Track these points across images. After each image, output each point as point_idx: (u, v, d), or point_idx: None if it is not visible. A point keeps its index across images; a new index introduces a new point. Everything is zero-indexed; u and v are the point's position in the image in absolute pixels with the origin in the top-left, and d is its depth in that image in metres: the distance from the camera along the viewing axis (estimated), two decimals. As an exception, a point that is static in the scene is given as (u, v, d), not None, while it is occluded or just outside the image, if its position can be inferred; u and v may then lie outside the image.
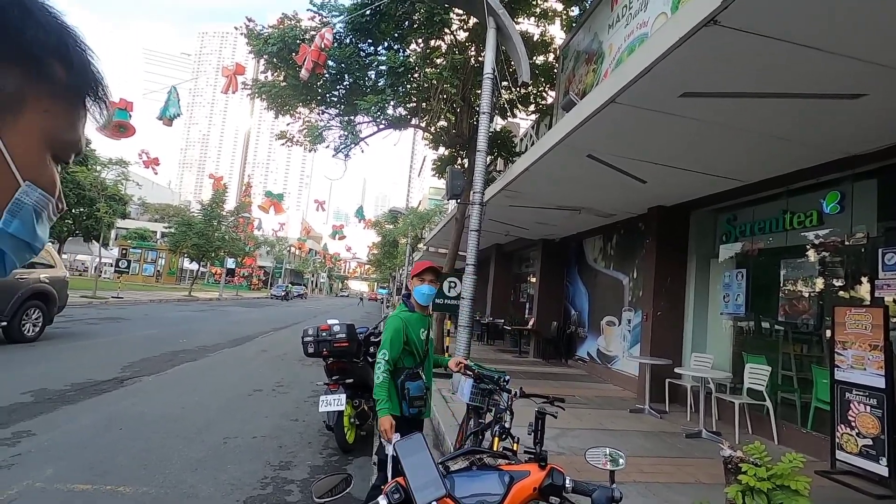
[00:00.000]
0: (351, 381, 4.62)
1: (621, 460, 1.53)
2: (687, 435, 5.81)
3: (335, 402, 4.31)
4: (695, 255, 7.89)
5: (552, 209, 9.47)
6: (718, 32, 3.32)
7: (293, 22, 10.98)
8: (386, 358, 2.74)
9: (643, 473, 4.38)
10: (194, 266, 34.34)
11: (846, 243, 5.54)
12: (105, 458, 3.94)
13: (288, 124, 12.58)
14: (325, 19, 11.14)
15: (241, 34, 11.41)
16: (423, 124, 12.57)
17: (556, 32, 12.99)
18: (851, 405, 4.56)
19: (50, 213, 0.47)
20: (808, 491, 1.71)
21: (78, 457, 3.92)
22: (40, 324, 9.02)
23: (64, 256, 42.16)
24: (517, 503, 1.30)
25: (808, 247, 6.01)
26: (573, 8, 12.40)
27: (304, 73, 9.61)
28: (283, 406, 6.17)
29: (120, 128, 13.25)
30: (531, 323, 13.04)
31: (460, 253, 10.91)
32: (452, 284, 9.08)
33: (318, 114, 12.48)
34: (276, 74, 11.60)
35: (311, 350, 4.47)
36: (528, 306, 15.06)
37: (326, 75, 11.21)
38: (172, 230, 31.43)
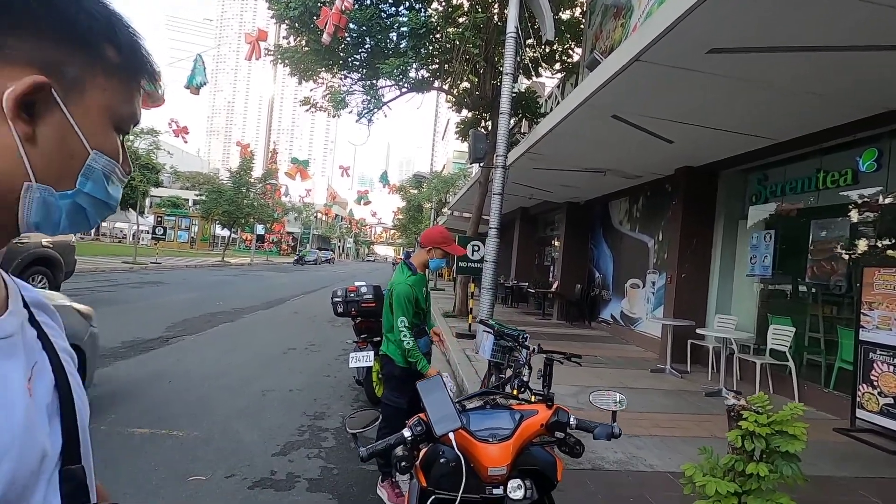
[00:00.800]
0: (378, 339, 4.85)
1: (623, 400, 1.66)
2: (707, 393, 5.92)
3: (364, 358, 4.57)
4: (722, 216, 7.76)
5: (577, 171, 9.36)
6: (748, -16, 3.21)
7: (315, -16, 10.82)
8: (406, 325, 2.94)
9: (660, 428, 4.54)
10: (226, 232, 35.37)
11: (882, 202, 5.38)
12: (158, 407, 4.34)
13: (311, 90, 12.61)
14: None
15: (263, -2, 11.35)
16: (445, 86, 12.41)
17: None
18: (875, 365, 4.56)
19: (118, 175, 0.56)
20: (804, 436, 1.82)
21: (135, 405, 4.32)
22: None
23: (104, 225, 44.01)
24: (525, 437, 1.46)
25: (840, 207, 5.85)
26: (602, -42, 11.79)
27: (325, 38, 9.59)
28: (316, 363, 6.53)
29: (150, 97, 13.55)
30: (555, 286, 13.13)
31: (484, 217, 10.97)
32: (476, 248, 9.20)
33: (341, 79, 12.45)
34: (297, 39, 11.56)
35: (339, 310, 4.72)
36: (552, 269, 15.11)
37: (348, 39, 11.12)
38: (203, 198, 32.31)
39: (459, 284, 12.20)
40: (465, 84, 12.77)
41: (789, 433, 1.82)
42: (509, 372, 3.63)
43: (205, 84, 12.83)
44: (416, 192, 34.51)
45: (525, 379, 3.25)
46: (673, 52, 4.21)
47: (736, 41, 3.95)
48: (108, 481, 2.66)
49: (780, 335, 5.96)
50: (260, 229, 39.64)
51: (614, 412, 1.61)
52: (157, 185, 33.42)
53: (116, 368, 5.41)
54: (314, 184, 73.47)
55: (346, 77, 12.27)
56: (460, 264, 9.43)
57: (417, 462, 1.47)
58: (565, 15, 12.46)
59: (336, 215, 64.66)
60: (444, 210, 27.36)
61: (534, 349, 3.38)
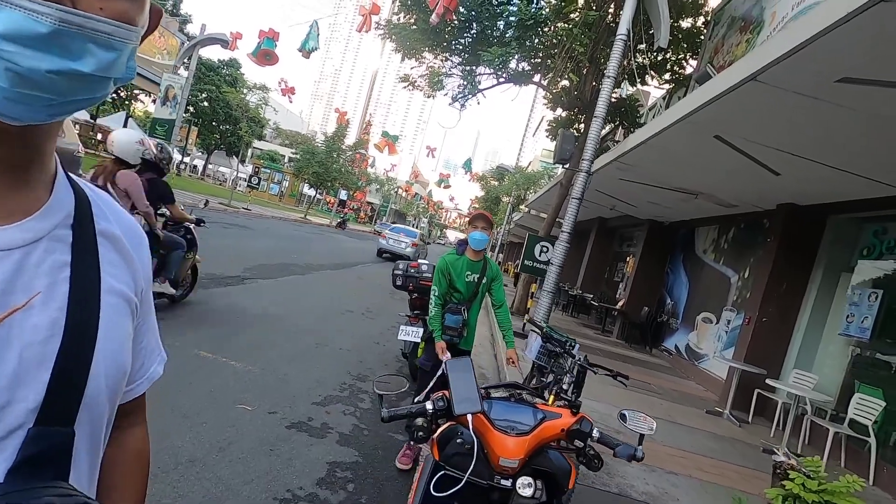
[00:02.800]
0: (430, 318, 4.97)
1: (654, 427, 1.60)
2: (764, 449, 5.46)
3: (413, 333, 4.68)
4: (823, 264, 7.02)
5: (666, 189, 8.85)
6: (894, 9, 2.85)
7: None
8: (436, 294, 3.24)
9: (701, 471, 4.28)
10: (312, 192, 37.39)
11: None
12: (224, 336, 4.76)
13: (412, 68, 12.90)
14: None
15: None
16: (544, 82, 12.18)
17: (715, -7, 11.56)
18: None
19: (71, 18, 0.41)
20: (856, 512, 1.65)
21: (206, 331, 4.78)
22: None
23: (210, 167, 48.17)
24: (543, 437, 1.45)
25: (972, 278, 5.09)
26: (740, -35, 10.87)
27: (434, 18, 9.73)
28: (369, 329, 6.81)
29: (266, 56, 14.56)
30: (621, 303, 12.61)
31: (559, 220, 10.72)
32: (544, 249, 9.05)
33: (442, 60, 12.60)
34: (407, 17, 11.84)
35: (398, 283, 4.87)
36: (620, 286, 14.50)
37: (455, 22, 11.20)
38: (298, 157, 34.32)
39: (521, 283, 12.09)
40: (565, 82, 12.44)
41: (838, 505, 1.66)
42: (552, 377, 3.59)
43: (316, 49, 13.54)
44: (496, 183, 34.35)
45: (564, 386, 3.21)
46: (796, 75, 3.84)
47: (873, 72, 3.53)
48: (163, 394, 2.98)
49: (867, 406, 5.33)
50: (343, 194, 41.49)
51: (642, 435, 1.56)
52: (261, 137, 35.90)
53: (195, 296, 5.98)
54: (400, 160, 75.37)
55: (447, 59, 12.40)
56: (525, 262, 9.32)
57: (435, 436, 1.52)
58: (686, 23, 11.70)
59: (416, 194, 66.04)
60: (522, 207, 27.04)
61: (579, 359, 3.31)
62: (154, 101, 21.60)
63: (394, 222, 60.16)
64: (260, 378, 3.99)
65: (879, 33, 3.08)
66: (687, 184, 8.18)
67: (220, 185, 46.81)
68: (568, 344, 3.42)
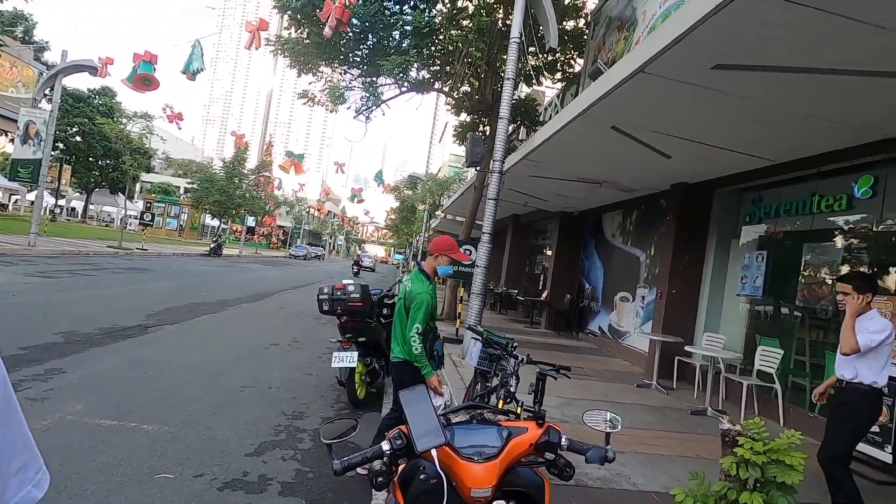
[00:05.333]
0: (363, 339, 4.74)
1: (618, 424, 1.57)
2: (692, 412, 5.87)
3: (347, 358, 4.44)
4: (715, 234, 7.75)
5: (573, 181, 9.32)
6: (756, 2, 3.16)
7: (319, -24, 10.71)
8: (420, 331, 2.98)
9: (645, 445, 4.46)
10: (216, 222, 34.96)
11: (875, 230, 5.38)
12: (130, 397, 4.17)
13: (310, 83, 12.48)
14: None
15: (266, -12, 11.21)
16: (446, 88, 12.36)
17: (591, -4, 12.46)
18: (861, 392, 4.53)
19: None
20: (802, 466, 1.74)
21: (105, 395, 4.16)
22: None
23: (92, 208, 43.33)
24: (513, 456, 1.36)
25: (834, 232, 5.86)
26: (609, -30, 11.81)
27: (327, 31, 9.48)
28: (298, 360, 6.39)
29: (144, 80, 13.34)
30: (544, 295, 13.08)
31: (477, 221, 10.89)
32: (468, 252, 9.10)
33: (341, 74, 12.34)
34: (299, 31, 11.44)
35: (325, 308, 4.59)
36: (542, 278, 15.07)
37: (350, 34, 11.02)
38: (195, 186, 31.90)
39: (449, 288, 12.11)
40: (466, 87, 12.72)
41: (786, 463, 1.74)
42: (496, 381, 3.54)
43: (202, 70, 12.64)
44: (410, 192, 34.40)
45: (512, 389, 3.17)
46: (678, 65, 4.16)
47: (742, 58, 3.91)
48: (69, 475, 2.50)
49: (768, 356, 5.93)
50: (250, 221, 39.27)
51: (608, 434, 1.52)
52: (149, 170, 32.90)
53: (89, 355, 5.23)
54: (308, 179, 73.04)
55: (346, 72, 12.16)
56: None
57: (395, 478, 1.36)
58: (569, 25, 12.47)
59: (329, 212, 64.28)
60: (438, 213, 27.28)
61: (522, 359, 3.29)
62: (12, 141, 18.94)
63: (309, 243, 58.20)
64: (179, 438, 3.53)
65: (746, 21, 3.40)
66: (591, 174, 8.66)
67: (107, 226, 42.25)
68: (508, 345, 3.39)
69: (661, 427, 5.14)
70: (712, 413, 5.69)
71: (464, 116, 13.52)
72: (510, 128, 14.61)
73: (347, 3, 9.48)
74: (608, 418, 1.56)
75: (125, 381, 4.60)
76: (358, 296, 4.55)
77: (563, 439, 1.40)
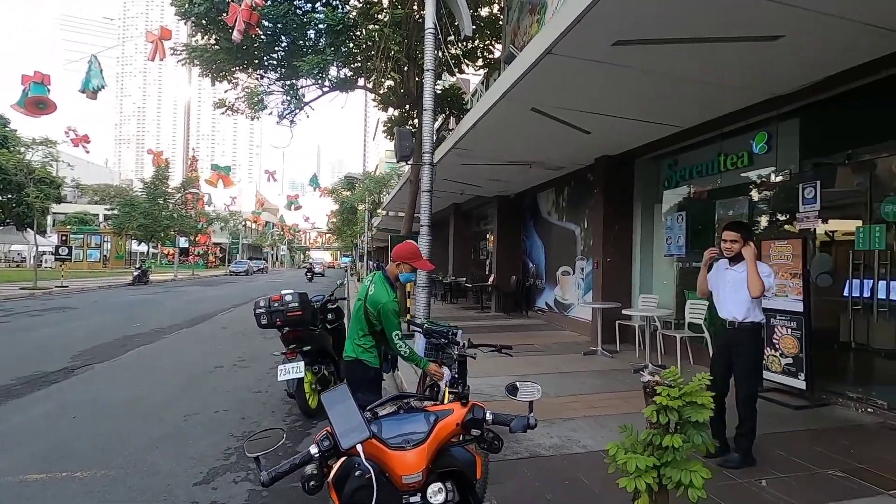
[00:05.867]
0: (308, 348, 4.65)
1: (538, 390, 1.65)
2: (634, 370, 6.18)
3: (293, 369, 4.35)
4: (640, 201, 8.19)
5: (503, 165, 9.53)
6: (643, -22, 3.35)
7: (220, -22, 10.19)
8: (400, 336, 3.05)
9: (593, 408, 4.70)
10: (143, 248, 32.83)
11: (773, 180, 5.89)
12: (59, 446, 3.88)
13: (226, 91, 11.93)
14: (254, -26, 10.42)
15: (163, -6, 10.56)
16: (369, 85, 12.19)
17: (502, -18, 12.65)
18: (776, 329, 4.99)
19: None
20: (711, 404, 1.91)
21: (30, 447, 3.84)
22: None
23: (-3, 248, 39.38)
24: (441, 438, 1.40)
25: (740, 186, 6.35)
26: (516, -45, 12.04)
27: (236, 35, 9.08)
28: (245, 379, 6.17)
29: (38, 104, 12.24)
30: (491, 279, 13.34)
31: (417, 215, 10.89)
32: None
33: (257, 79, 11.87)
34: (206, 38, 10.88)
35: (263, 321, 4.46)
36: (488, 263, 15.34)
37: (262, 37, 10.62)
38: (115, 212, 29.74)
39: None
40: (390, 82, 12.61)
41: (698, 403, 1.90)
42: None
43: (102, 88, 11.74)
44: (348, 193, 33.81)
45: (457, 375, 3.23)
46: (581, 44, 4.34)
47: (638, 33, 4.14)
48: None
49: (696, 309, 6.39)
50: (183, 242, 37.19)
51: (531, 402, 1.60)
52: (59, 200, 30.22)
53: (8, 408, 4.80)
54: (240, 191, 70.00)
55: (262, 77, 11.71)
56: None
57: (330, 479, 1.37)
58: (484, 11, 12.62)
59: (266, 222, 61.96)
60: (379, 210, 27.01)
61: (464, 344, 3.36)
62: None
63: (250, 258, 55.94)
64: (119, 480, 3.33)
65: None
66: (519, 156, 8.89)
67: (18, 266, 38.62)
68: (450, 333, 3.44)
69: (607, 389, 5.42)
70: (652, 369, 6.04)
71: (392, 111, 13.42)
72: (440, 119, 14.71)
73: (254, 5, 9.11)
74: (530, 388, 1.64)
75: (53, 430, 4.27)
76: (297, 305, 4.45)
77: (487, 414, 1.45)
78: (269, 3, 10.12)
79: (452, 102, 12.68)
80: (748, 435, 3.41)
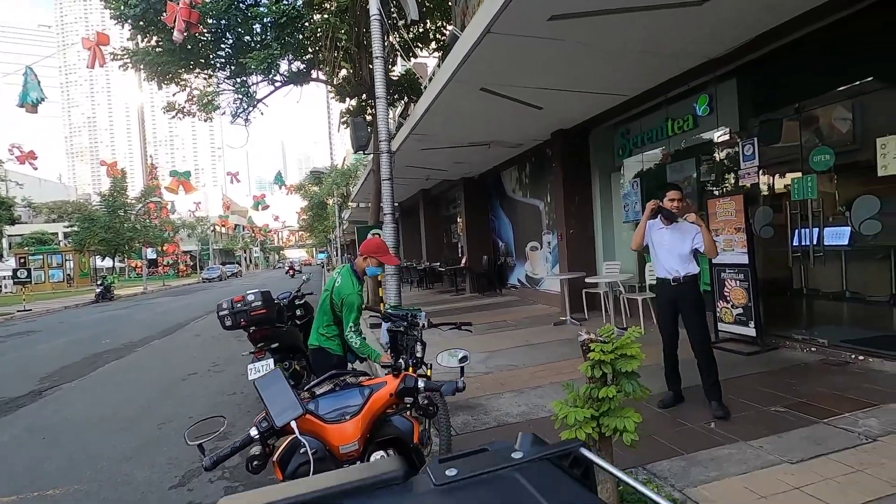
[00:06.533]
0: (277, 345, 4.68)
1: (467, 356, 1.76)
2: (554, 324, 6.50)
3: (264, 367, 4.38)
4: (597, 171, 8.38)
5: (463, 147, 9.58)
6: (566, -49, 3.41)
7: (154, -23, 9.81)
8: (355, 329, 3.14)
9: (561, 375, 4.87)
10: (108, 263, 31.85)
11: (717, 140, 6.12)
12: (30, 467, 3.85)
13: (174, 94, 11.57)
14: (189, -30, 10.07)
15: (95, -3, 10.12)
16: (323, 77, 12.00)
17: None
18: (726, 282, 5.25)
19: None
20: (641, 355, 2.05)
21: (-1, 473, 3.80)
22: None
23: (-49, 277, 37.57)
24: (376, 408, 1.49)
25: (687, 149, 6.57)
26: (458, -66, 11.92)
27: (177, 35, 8.83)
28: (220, 383, 6.17)
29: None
30: (464, 261, 13.47)
31: (383, 204, 10.87)
32: (377, 236, 9.11)
33: (206, 78, 11.55)
34: (147, 40, 10.50)
35: (228, 323, 4.45)
36: (460, 245, 15.46)
37: (206, 35, 10.32)
38: (75, 228, 28.69)
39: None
40: (344, 72, 12.44)
41: (628, 355, 2.03)
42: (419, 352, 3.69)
43: (42, 100, 11.26)
44: (316, 189, 33.36)
45: (419, 355, 3.32)
46: (518, 21, 4.40)
47: (571, 7, 4.22)
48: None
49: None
50: (150, 253, 36.20)
51: (461, 368, 1.70)
52: (13, 221, 28.94)
53: (-26, 437, 4.70)
54: (206, 195, 68.22)
55: (211, 76, 11.41)
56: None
57: (275, 458, 1.44)
58: (433, -7, 12.51)
59: (236, 225, 60.69)
60: (349, 203, 26.77)
61: (424, 325, 3.45)
62: None
63: (223, 263, 54.83)
64: (92, 493, 3.34)
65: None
66: (477, 137, 8.95)
67: (-23, 293, 37.00)
68: (410, 315, 3.53)
69: (575, 356, 5.57)
70: (618, 332, 6.28)
71: (350, 101, 13.25)
72: (400, 106, 14.61)
73: (193, 3, 8.84)
74: (459, 356, 1.74)
75: (22, 452, 4.21)
76: (260, 303, 4.45)
77: (419, 382, 1.55)
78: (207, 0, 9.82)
79: (411, 87, 12.61)
80: (717, 382, 3.57)
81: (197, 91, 11.72)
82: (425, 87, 13.66)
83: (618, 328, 6.41)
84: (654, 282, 6.55)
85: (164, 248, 41.36)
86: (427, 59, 16.77)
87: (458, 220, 15.26)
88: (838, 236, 4.72)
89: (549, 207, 9.71)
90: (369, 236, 8.35)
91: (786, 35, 4.81)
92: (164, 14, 9.08)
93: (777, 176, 5.43)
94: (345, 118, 13.91)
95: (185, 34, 8.98)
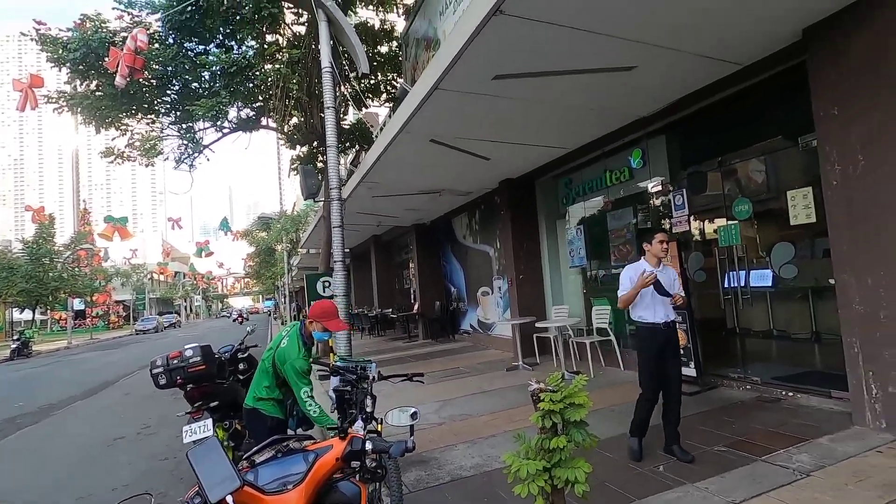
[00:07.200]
0: (216, 403, 4.39)
1: (417, 413, 1.73)
2: (507, 370, 6.55)
3: (201, 429, 4.08)
4: (544, 218, 8.73)
5: (414, 194, 9.74)
6: (507, 21, 3.69)
7: (97, 23, 9.66)
8: (310, 395, 2.94)
9: (513, 422, 4.84)
10: (28, 315, 29.17)
11: (651, 191, 6.57)
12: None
13: (113, 139, 11.15)
14: (136, 18, 10.01)
15: (32, 39, 9.79)
16: (273, 124, 12.01)
17: (400, 20, 13.16)
18: (667, 325, 5.48)
19: None
20: (588, 402, 2.09)
21: None
22: None
23: None
24: (321, 475, 1.42)
25: (624, 199, 7.00)
26: (409, -5, 12.62)
27: (119, 80, 8.61)
28: (151, 448, 5.65)
29: None
30: (416, 307, 13.38)
31: (333, 252, 10.73)
32: (326, 284, 8.92)
33: (149, 123, 11.25)
34: (86, 84, 10.17)
35: (162, 381, 4.14)
36: (412, 291, 15.39)
37: (153, 80, 10.15)
38: (-10, 278, 26.23)
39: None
40: (295, 120, 12.51)
41: (577, 403, 2.07)
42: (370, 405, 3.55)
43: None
44: (264, 235, 32.51)
45: (369, 409, 3.21)
46: (464, 79, 4.65)
47: (513, 69, 4.51)
48: None
49: (601, 315, 6.86)
50: (78, 304, 33.49)
51: (411, 426, 1.67)
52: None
53: None
54: (143, 242, 64.76)
55: (154, 122, 11.13)
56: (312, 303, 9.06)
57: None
58: (384, 48, 13.03)
59: (176, 273, 57.63)
60: (299, 249, 26.21)
61: (374, 377, 3.36)
62: None
63: (160, 313, 51.49)
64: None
65: (506, 38, 3.93)
66: (428, 185, 9.14)
67: None
68: (359, 367, 3.43)
69: (528, 402, 5.57)
70: (568, 376, 6.36)
71: (300, 148, 13.26)
72: (351, 154, 14.75)
73: (138, 49, 8.72)
74: (410, 413, 1.71)
75: None
76: (199, 359, 4.19)
77: (367, 444, 1.50)
78: (156, 46, 9.74)
79: (362, 136, 12.82)
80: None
81: (139, 136, 11.38)
82: (377, 136, 13.95)
83: (568, 372, 6.51)
84: (600, 325, 6.80)
85: (94, 298, 38.48)
86: (379, 108, 17.27)
87: (410, 265, 15.26)
88: (762, 279, 5.10)
89: (499, 253, 9.93)
90: (319, 287, 8.19)
91: (706, 97, 5.33)
92: (107, 59, 8.89)
93: (707, 222, 5.86)
94: (295, 165, 13.88)
95: (129, 80, 8.79)
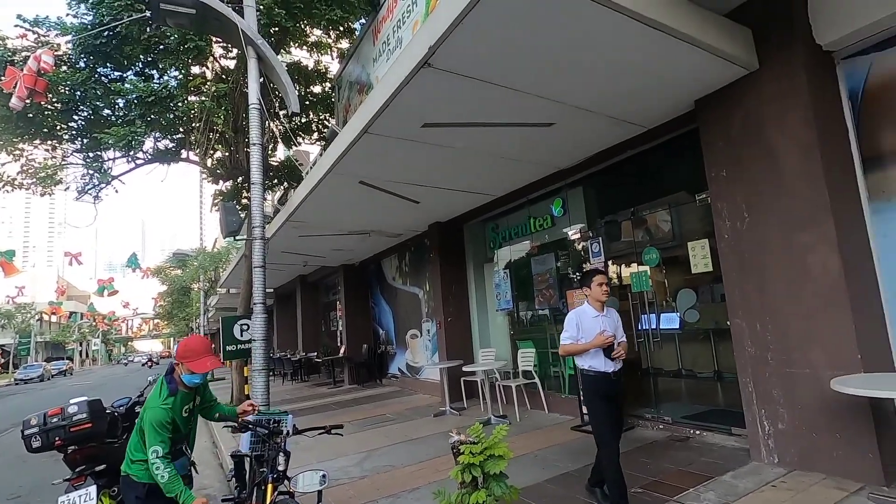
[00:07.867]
0: (104, 466, 3.85)
1: (326, 477, 1.62)
2: (434, 415, 6.50)
3: (82, 498, 3.53)
4: (472, 262, 8.89)
5: (343, 235, 9.58)
6: (435, 73, 3.83)
7: (-7, 40, 8.86)
8: (160, 455, 2.55)
9: (439, 472, 4.68)
10: None
11: (570, 238, 6.94)
12: None
13: (3, 164, 10.05)
14: (43, 38, 9.30)
15: (-89, 52, 8.75)
16: (195, 157, 11.44)
17: (334, 63, 13.30)
18: (587, 367, 5.67)
19: None
20: (509, 453, 2.07)
21: None
22: None
23: None
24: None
25: (547, 245, 7.33)
26: (343, 41, 12.86)
27: (15, 102, 7.86)
28: (18, 523, 4.82)
29: None
30: (342, 350, 12.90)
31: (254, 292, 10.17)
32: (244, 327, 8.37)
33: (49, 150, 10.29)
34: (-26, 103, 9.17)
35: (36, 444, 3.56)
36: (339, 333, 14.86)
37: (57, 104, 9.37)
38: None
39: (234, 370, 10.92)
40: (218, 154, 12.02)
41: (496, 455, 2.04)
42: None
43: None
44: (179, 272, 30.26)
45: (281, 468, 2.97)
46: (394, 125, 4.73)
47: (440, 118, 4.67)
48: None
49: (527, 357, 6.98)
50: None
51: (319, 492, 1.55)
52: None
53: None
54: (34, 278, 57.81)
55: (55, 148, 10.21)
56: (227, 348, 8.42)
57: None
58: (317, 89, 13.06)
59: (71, 313, 51.67)
60: (218, 288, 24.59)
61: (288, 432, 3.13)
62: None
63: (47, 359, 45.53)
64: None
65: (433, 90, 4.07)
66: (356, 226, 9.05)
67: None
68: (271, 421, 3.19)
69: (454, 449, 5.49)
70: (495, 420, 6.36)
71: (224, 183, 12.69)
72: (279, 191, 14.34)
73: (41, 71, 8.05)
74: (319, 476, 1.60)
75: None
76: (85, 416, 3.67)
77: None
78: (64, 69, 9.07)
79: (291, 174, 12.54)
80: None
81: (36, 162, 10.35)
82: (307, 174, 13.74)
83: (495, 416, 6.49)
84: (525, 368, 6.91)
85: (-35, 342, 33.33)
86: (311, 146, 17.09)
87: (338, 306, 14.80)
88: (670, 321, 5.48)
89: (429, 295, 9.93)
90: (236, 331, 7.68)
91: (618, 154, 5.80)
92: (2, 79, 8.12)
93: (623, 267, 6.25)
94: (217, 200, 13.22)
95: (27, 102, 8.05)
